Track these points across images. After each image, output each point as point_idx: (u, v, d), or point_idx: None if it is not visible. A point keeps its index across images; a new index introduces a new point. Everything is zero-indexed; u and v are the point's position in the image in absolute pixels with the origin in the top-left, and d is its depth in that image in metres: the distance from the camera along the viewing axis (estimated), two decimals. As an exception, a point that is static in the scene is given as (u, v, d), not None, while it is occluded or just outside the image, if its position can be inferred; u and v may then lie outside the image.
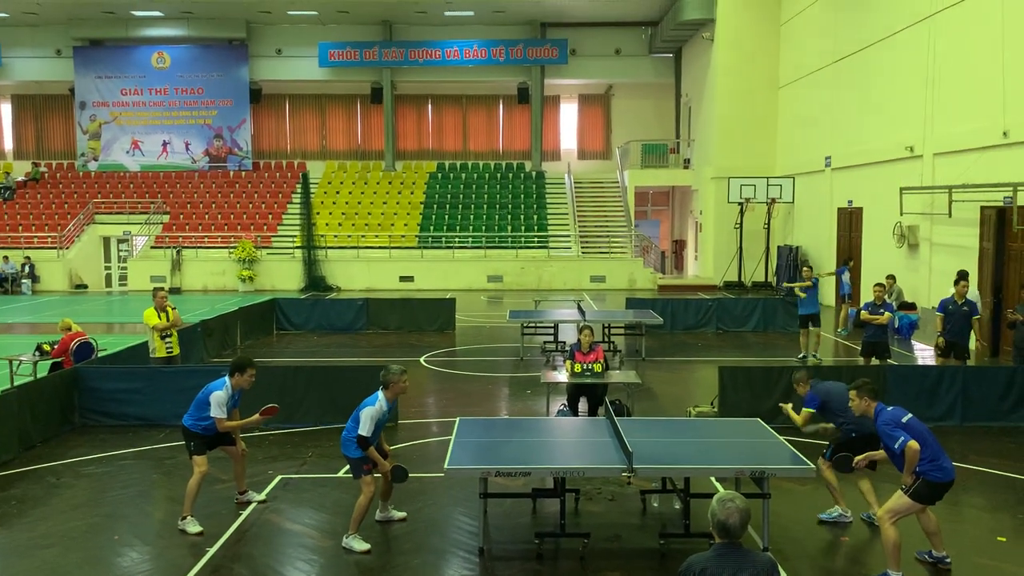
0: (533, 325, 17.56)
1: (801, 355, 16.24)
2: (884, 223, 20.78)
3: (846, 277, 21.29)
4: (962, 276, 15.78)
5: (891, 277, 17.85)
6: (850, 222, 23.64)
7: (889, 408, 6.88)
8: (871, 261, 21.87)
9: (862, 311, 13.51)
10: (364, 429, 7.33)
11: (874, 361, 13.22)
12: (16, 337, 20.02)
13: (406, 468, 7.65)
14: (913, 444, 6.54)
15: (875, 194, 21.71)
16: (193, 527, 7.79)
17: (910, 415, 6.81)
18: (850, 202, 23.58)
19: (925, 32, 19.14)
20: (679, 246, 37.46)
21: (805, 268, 16.47)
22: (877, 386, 7.08)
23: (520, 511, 8.24)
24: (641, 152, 35.21)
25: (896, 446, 6.60)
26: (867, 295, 16.80)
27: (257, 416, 8.12)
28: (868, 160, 22.16)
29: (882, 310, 13.19)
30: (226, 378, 8.08)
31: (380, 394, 7.50)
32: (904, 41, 20.21)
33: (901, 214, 19.65)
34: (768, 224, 28.58)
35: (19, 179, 36.69)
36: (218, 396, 7.98)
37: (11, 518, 8.20)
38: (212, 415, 7.95)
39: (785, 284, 13.58)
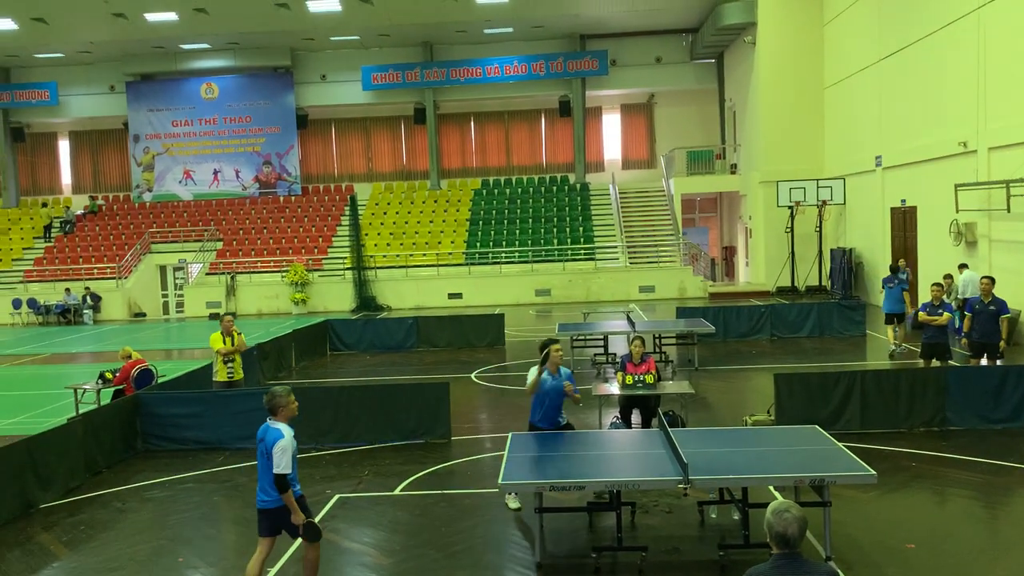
0: (583, 338, 17.50)
1: (892, 348, 16.99)
2: (940, 221, 20.31)
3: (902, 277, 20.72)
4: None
5: (949, 277, 17.42)
6: (904, 222, 23.15)
7: None
8: (928, 261, 21.37)
9: (920, 312, 13.19)
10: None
11: (935, 363, 12.90)
12: (79, 366, 20.60)
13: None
14: None
15: (929, 192, 21.23)
16: (513, 503, 8.69)
17: None
18: (903, 201, 23.10)
19: (974, 24, 18.72)
20: (729, 252, 37.04)
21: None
22: None
23: (576, 525, 8.20)
24: (686, 159, 34.96)
25: None
26: (925, 295, 16.42)
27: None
28: (920, 158, 21.70)
29: (941, 311, 12.88)
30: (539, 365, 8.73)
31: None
32: (952, 35, 19.79)
33: (957, 211, 19.18)
34: (820, 227, 28.13)
35: (78, 213, 37.86)
36: (533, 373, 8.71)
37: (80, 543, 8.42)
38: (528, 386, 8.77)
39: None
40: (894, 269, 17.86)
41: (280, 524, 6.67)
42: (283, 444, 6.46)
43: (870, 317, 20.29)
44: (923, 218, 21.95)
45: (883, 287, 17.45)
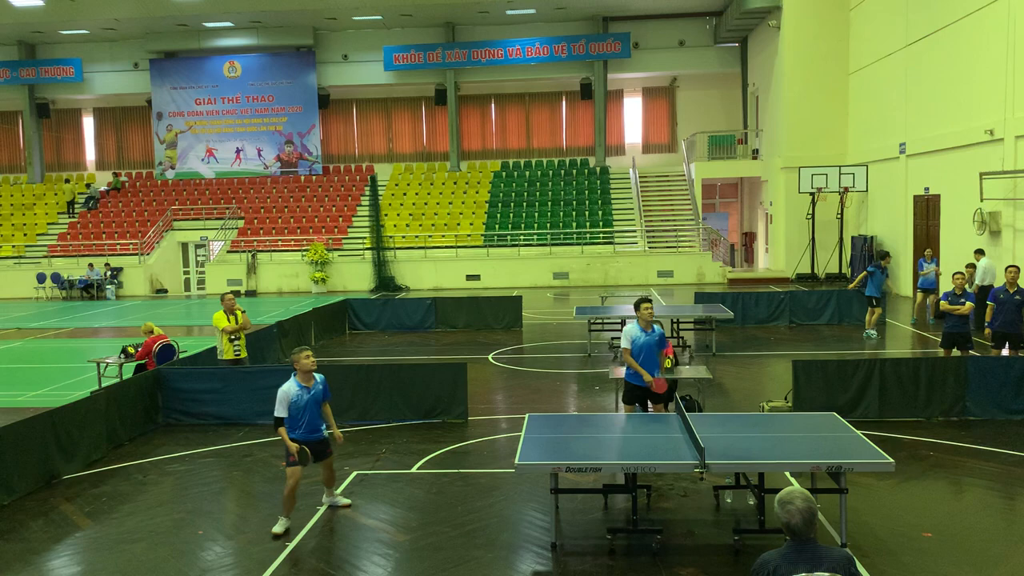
0: (600, 321, 17.51)
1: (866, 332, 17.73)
2: (964, 210, 20.09)
3: (930, 267, 20.17)
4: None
5: (971, 266, 17.24)
6: (927, 210, 22.92)
7: None
8: (951, 249, 21.17)
9: (942, 301, 13.07)
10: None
11: (955, 353, 12.81)
12: (102, 341, 20.84)
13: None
14: None
15: (953, 180, 21.00)
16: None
17: None
18: (927, 189, 22.87)
19: (1004, 10, 18.43)
20: (749, 238, 36.85)
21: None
22: None
23: (591, 507, 8.25)
24: (708, 144, 34.73)
25: None
26: (947, 284, 16.28)
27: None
28: (945, 145, 21.45)
29: (963, 300, 12.76)
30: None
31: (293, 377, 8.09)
32: (981, 21, 19.50)
33: (982, 200, 18.97)
34: (841, 214, 27.91)
35: (101, 189, 38.17)
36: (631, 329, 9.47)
37: (102, 514, 8.57)
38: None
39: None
40: (882, 255, 18.44)
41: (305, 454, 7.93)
42: (279, 394, 7.88)
43: (890, 305, 20.15)
44: (946, 206, 21.72)
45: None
